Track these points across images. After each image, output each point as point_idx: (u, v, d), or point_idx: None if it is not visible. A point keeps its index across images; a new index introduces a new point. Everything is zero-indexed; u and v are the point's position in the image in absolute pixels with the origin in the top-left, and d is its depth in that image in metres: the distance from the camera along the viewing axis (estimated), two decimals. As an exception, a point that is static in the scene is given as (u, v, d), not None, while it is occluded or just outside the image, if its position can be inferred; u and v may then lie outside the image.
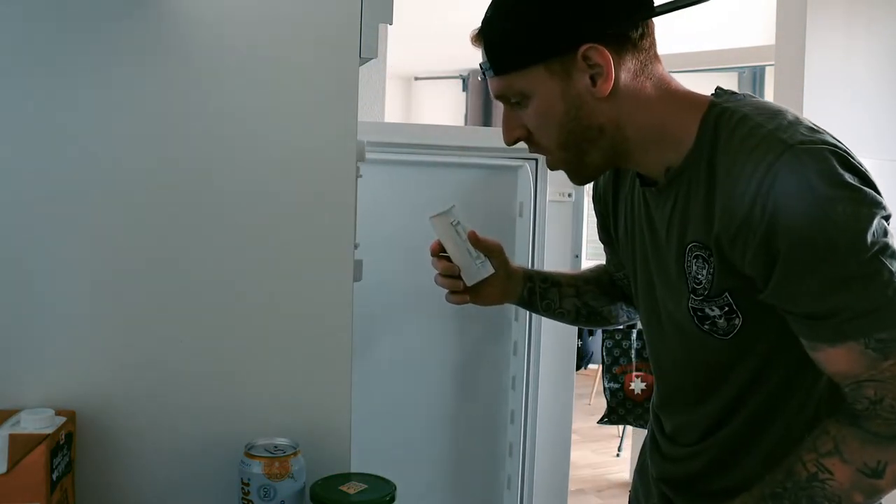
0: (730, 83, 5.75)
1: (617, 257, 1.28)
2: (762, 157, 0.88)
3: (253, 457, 0.99)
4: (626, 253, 1.18)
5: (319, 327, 1.10)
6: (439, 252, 1.27)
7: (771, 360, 1.00)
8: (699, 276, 1.00)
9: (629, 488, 1.31)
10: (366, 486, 1.00)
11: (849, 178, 0.87)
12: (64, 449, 0.94)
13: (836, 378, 0.91)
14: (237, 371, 1.08)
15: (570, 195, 1.94)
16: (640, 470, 1.25)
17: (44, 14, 0.99)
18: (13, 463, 0.86)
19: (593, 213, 1.30)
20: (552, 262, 1.89)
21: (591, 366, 5.15)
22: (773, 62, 3.30)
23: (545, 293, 1.33)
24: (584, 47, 0.95)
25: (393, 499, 0.99)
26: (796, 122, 0.92)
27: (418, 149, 1.83)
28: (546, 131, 1.02)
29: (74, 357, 1.02)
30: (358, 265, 1.14)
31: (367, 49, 1.10)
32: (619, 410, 3.97)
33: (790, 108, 0.97)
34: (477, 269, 1.25)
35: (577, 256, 1.96)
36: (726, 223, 0.92)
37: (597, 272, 1.39)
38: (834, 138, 0.92)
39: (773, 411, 1.01)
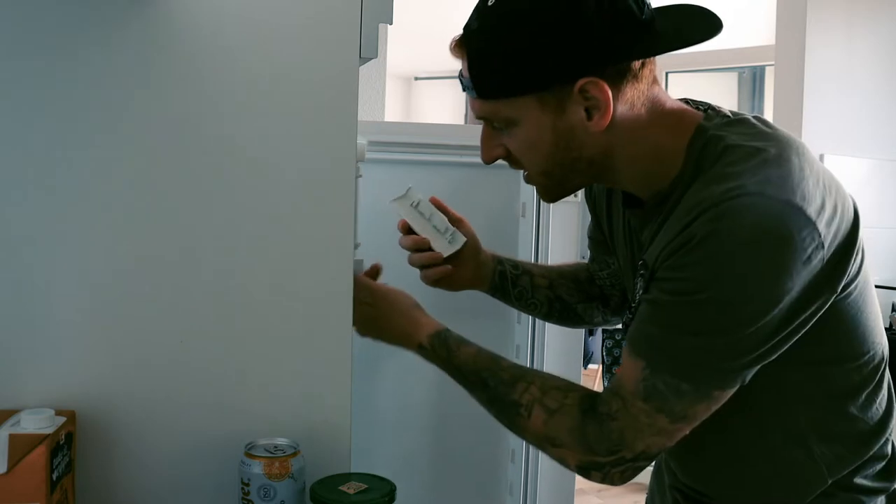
0: (730, 83, 5.75)
1: (602, 255, 1.26)
2: (717, 196, 0.85)
3: (253, 457, 0.99)
4: (620, 260, 1.15)
5: (319, 327, 1.10)
6: (408, 231, 1.23)
7: None
8: (637, 296, 0.99)
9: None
10: (366, 486, 1.00)
11: (768, 261, 0.83)
12: (64, 449, 0.94)
13: (617, 375, 0.94)
14: (237, 371, 1.08)
15: (575, 195, 1.89)
16: (657, 473, 1.23)
17: (43, 15, 0.99)
18: (13, 463, 0.86)
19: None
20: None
21: (591, 366, 5.15)
22: (773, 62, 3.30)
23: (517, 279, 1.28)
24: (582, 81, 0.89)
25: (393, 499, 0.99)
26: (775, 163, 0.87)
27: (418, 148, 1.83)
28: (530, 159, 0.98)
29: (74, 357, 1.02)
30: (359, 265, 1.14)
31: (367, 49, 1.10)
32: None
33: (787, 137, 0.91)
34: (447, 244, 1.21)
35: (584, 258, 1.93)
36: (667, 244, 0.90)
37: (575, 268, 1.34)
38: (812, 189, 0.85)
39: (759, 425, 0.99)
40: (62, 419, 0.94)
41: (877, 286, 1.02)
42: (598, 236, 1.25)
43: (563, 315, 1.31)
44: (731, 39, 5.15)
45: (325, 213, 1.09)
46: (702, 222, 0.85)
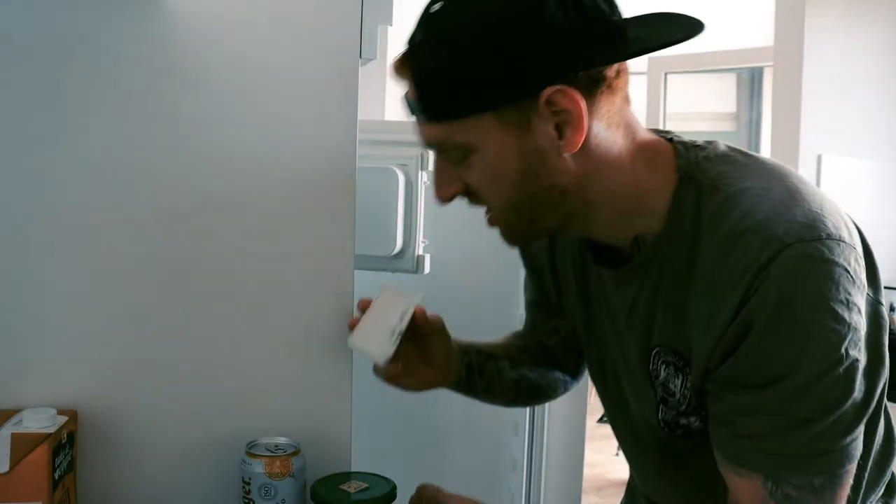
0: (729, 84, 5.75)
1: (549, 322, 1.13)
2: (753, 259, 0.75)
3: (254, 456, 0.99)
4: (578, 326, 1.04)
5: (320, 327, 1.10)
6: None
7: None
8: (670, 387, 0.87)
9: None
10: (366, 485, 1.00)
11: (842, 305, 0.74)
12: (66, 448, 0.94)
13: (730, 497, 0.82)
14: (238, 371, 1.08)
15: None
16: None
17: (43, 16, 0.99)
18: (15, 462, 0.86)
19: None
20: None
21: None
22: (771, 63, 3.30)
23: (483, 369, 1.10)
24: (549, 90, 0.76)
25: (393, 498, 1.00)
26: (790, 201, 0.78)
27: (419, 147, 1.82)
28: (495, 192, 0.83)
29: (76, 356, 1.02)
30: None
31: (368, 49, 1.10)
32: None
33: (777, 167, 0.83)
34: (385, 341, 0.98)
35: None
36: (711, 331, 0.79)
37: (524, 339, 1.18)
38: (833, 215, 0.78)
39: None
40: (64, 418, 0.94)
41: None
42: (543, 299, 1.12)
43: (530, 394, 1.17)
44: (729, 40, 5.16)
45: (325, 213, 1.10)
46: (757, 301, 0.75)
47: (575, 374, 1.19)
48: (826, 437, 0.76)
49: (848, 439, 0.77)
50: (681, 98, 5.74)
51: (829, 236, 0.76)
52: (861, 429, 0.78)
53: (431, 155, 1.56)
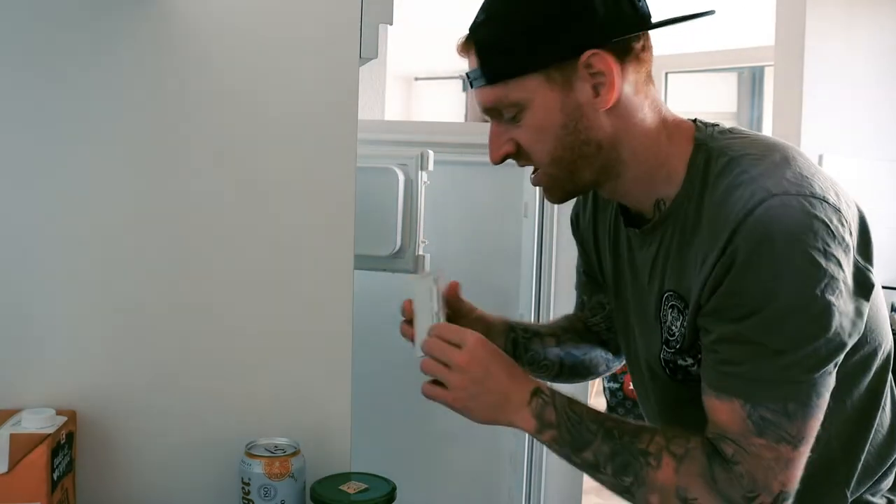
0: (729, 83, 5.75)
1: (595, 297, 1.24)
2: (743, 205, 0.86)
3: (253, 456, 0.99)
4: (610, 293, 1.14)
5: (320, 327, 1.10)
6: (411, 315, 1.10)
7: None
8: (673, 328, 0.97)
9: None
10: (366, 486, 1.00)
11: (819, 252, 0.83)
12: (65, 448, 0.94)
13: (710, 423, 0.91)
14: (238, 371, 1.08)
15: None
16: None
17: (44, 13, 0.99)
18: (14, 462, 0.86)
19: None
20: (562, 265, 1.82)
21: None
22: (772, 62, 3.30)
23: (528, 344, 1.21)
24: (586, 54, 0.91)
25: (393, 499, 1.00)
26: (784, 164, 0.89)
27: (420, 146, 1.83)
28: (541, 145, 0.96)
29: (75, 357, 1.02)
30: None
31: (367, 49, 1.10)
32: (618, 410, 3.97)
33: (781, 142, 0.94)
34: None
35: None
36: (704, 269, 0.89)
37: (570, 319, 1.30)
38: (823, 182, 0.88)
39: None
40: (63, 419, 0.94)
41: (877, 286, 1.02)
42: (590, 272, 1.23)
43: (572, 370, 1.26)
44: (731, 39, 5.15)
45: (325, 213, 1.10)
46: (741, 239, 0.85)
47: (617, 352, 1.27)
48: (795, 370, 0.85)
49: (817, 375, 0.85)
50: (681, 98, 5.74)
51: (814, 195, 0.85)
52: (833, 368, 0.87)
53: (431, 154, 1.57)
